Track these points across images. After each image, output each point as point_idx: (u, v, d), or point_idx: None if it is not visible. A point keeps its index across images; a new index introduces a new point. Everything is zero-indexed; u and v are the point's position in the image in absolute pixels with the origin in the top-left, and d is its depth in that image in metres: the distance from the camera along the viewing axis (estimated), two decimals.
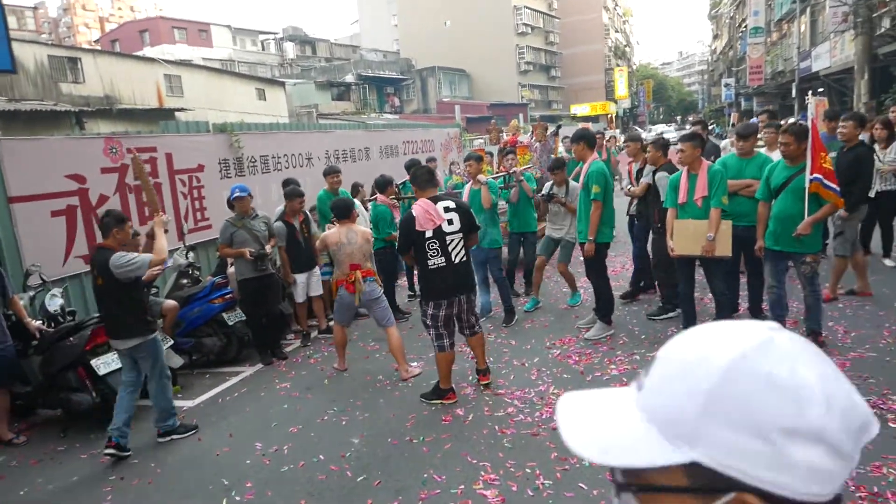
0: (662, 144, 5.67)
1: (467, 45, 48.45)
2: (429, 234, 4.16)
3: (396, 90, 44.02)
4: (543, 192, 6.26)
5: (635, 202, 5.97)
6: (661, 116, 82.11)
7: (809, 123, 4.16)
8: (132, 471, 3.95)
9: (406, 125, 16.49)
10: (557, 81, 58.45)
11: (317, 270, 6.28)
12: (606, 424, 0.64)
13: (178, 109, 22.81)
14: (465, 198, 6.13)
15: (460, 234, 4.24)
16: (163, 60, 26.55)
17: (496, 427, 3.98)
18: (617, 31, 71.52)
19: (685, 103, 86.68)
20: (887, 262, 6.78)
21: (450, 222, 4.19)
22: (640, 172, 6.06)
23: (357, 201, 7.32)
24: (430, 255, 4.18)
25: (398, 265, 7.29)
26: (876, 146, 6.58)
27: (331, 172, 6.87)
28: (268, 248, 5.71)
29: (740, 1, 42.68)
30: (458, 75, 47.18)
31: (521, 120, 23.11)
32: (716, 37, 67.92)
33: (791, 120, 6.72)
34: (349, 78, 39.59)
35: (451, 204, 4.29)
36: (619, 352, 5.07)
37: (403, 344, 5.16)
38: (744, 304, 5.57)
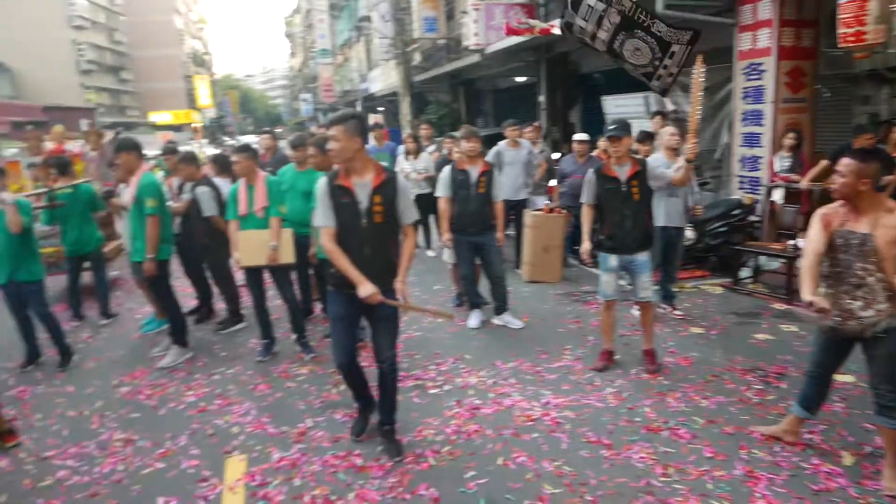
0: (192, 158, 5.63)
1: (6, 34, 39.61)
2: None
3: None
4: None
5: (179, 219, 5.72)
6: (252, 127, 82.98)
7: None
8: None
9: None
10: (130, 85, 53.09)
11: None
12: None
13: None
14: None
15: None
16: None
17: (40, 501, 3.26)
18: (194, 38, 69.04)
19: (272, 115, 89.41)
20: (429, 252, 8.19)
21: None
22: (181, 188, 5.83)
23: None
24: None
25: None
26: (410, 157, 7.90)
27: None
28: None
29: (310, 23, 46.19)
30: None
31: (85, 126, 20.02)
32: (293, 54, 72.06)
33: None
34: None
35: None
36: (198, 375, 4.79)
37: None
38: (319, 306, 5.94)
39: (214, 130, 58.86)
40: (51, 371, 5.10)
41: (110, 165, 5.94)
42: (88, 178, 6.56)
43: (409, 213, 3.29)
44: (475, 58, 13.34)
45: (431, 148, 8.50)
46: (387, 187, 3.18)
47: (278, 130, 14.04)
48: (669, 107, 6.84)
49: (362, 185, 3.15)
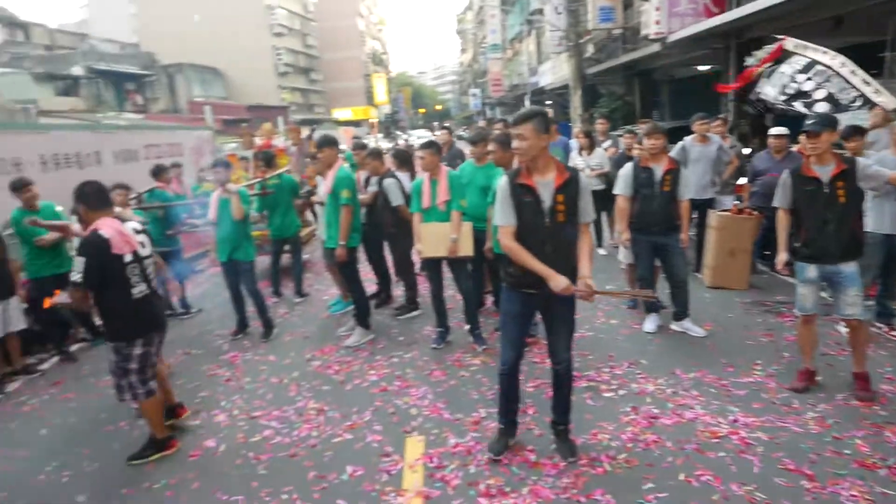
0: (378, 154, 5.95)
1: (220, 43, 45.47)
2: (128, 258, 3.57)
3: (139, 87, 39.47)
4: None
5: (364, 210, 6.10)
6: (421, 122, 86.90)
7: None
8: None
9: (146, 126, 14.82)
10: (318, 85, 58.14)
11: (14, 301, 5.25)
12: None
13: None
14: (212, 207, 5.67)
15: (151, 261, 3.81)
16: None
17: (251, 455, 3.72)
18: (374, 38, 73.70)
19: (441, 111, 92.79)
20: (600, 251, 7.96)
21: (143, 245, 3.73)
22: (367, 181, 6.21)
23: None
24: (135, 283, 3.60)
25: None
26: (583, 152, 7.69)
27: (21, 186, 5.47)
28: None
29: (481, 19, 47.03)
30: (211, 74, 44.01)
31: (281, 123, 22.35)
32: (463, 50, 74.04)
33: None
34: (77, 70, 34.36)
35: (139, 225, 3.84)
36: (379, 356, 5.13)
37: None
38: (490, 299, 6.05)
39: (388, 125, 62.55)
40: (256, 341, 5.79)
41: (311, 158, 6.58)
42: (290, 170, 7.34)
43: (589, 212, 3.22)
44: (655, 47, 12.66)
45: (607, 143, 8.23)
46: (570, 186, 3.12)
47: (446, 124, 14.47)
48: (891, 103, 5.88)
49: (545, 184, 3.11)
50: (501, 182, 3.22)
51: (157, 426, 3.81)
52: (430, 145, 4.95)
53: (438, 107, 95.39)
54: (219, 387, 4.81)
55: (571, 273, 3.16)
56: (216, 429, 4.11)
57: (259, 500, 3.25)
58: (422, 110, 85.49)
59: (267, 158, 6.90)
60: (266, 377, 4.91)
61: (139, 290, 3.63)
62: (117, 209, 5.45)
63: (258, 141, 9.12)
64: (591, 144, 7.80)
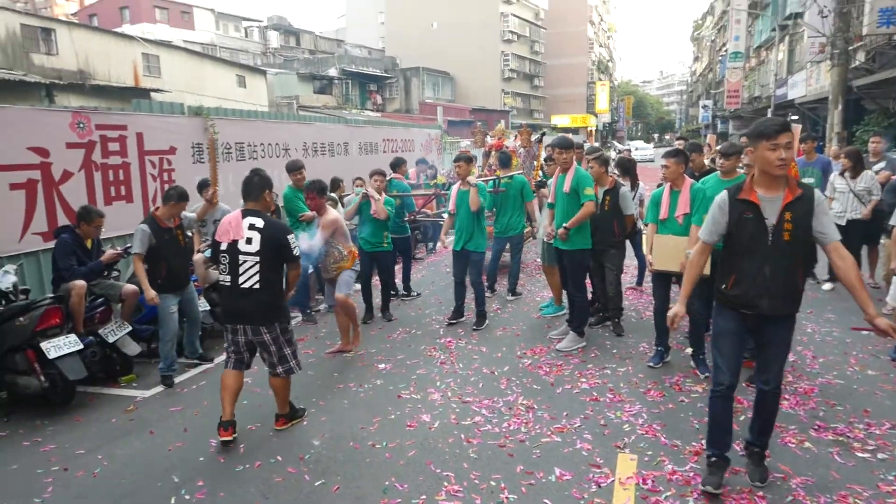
0: (606, 161, 5.68)
1: (453, 48, 48.40)
2: (223, 246, 3.79)
3: (379, 88, 43.72)
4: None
5: None
6: (640, 133, 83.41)
7: None
8: (77, 462, 3.73)
9: (387, 123, 16.38)
10: (540, 91, 58.82)
11: None
12: None
13: (155, 90, 22.25)
14: (452, 199, 6.04)
15: (256, 259, 3.75)
16: (142, 39, 25.87)
17: (462, 436, 3.88)
18: (601, 46, 72.38)
19: (663, 122, 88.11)
20: None
21: (248, 241, 3.75)
22: None
23: (335, 196, 7.22)
24: (221, 270, 3.84)
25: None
26: (846, 174, 6.69)
27: (295, 169, 6.44)
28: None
29: (722, 25, 43.53)
30: (442, 77, 47.05)
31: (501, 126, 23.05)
32: (696, 59, 69.31)
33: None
34: (332, 72, 39.19)
35: (260, 223, 3.78)
36: (591, 365, 5.02)
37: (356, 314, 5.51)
38: None
39: (606, 134, 61.10)
40: (469, 330, 6.04)
41: (547, 161, 6.69)
42: (522, 171, 7.53)
43: (833, 230, 2.94)
44: None
45: (880, 165, 7.04)
46: (800, 203, 2.91)
47: (667, 137, 13.58)
48: None
49: (770, 201, 2.92)
50: (721, 196, 3.08)
51: (223, 403, 3.90)
52: (676, 153, 4.67)
53: (662, 118, 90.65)
54: (434, 368, 5.11)
55: (793, 299, 3.01)
56: (431, 406, 4.37)
57: (469, 480, 3.36)
58: (642, 121, 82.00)
59: (504, 159, 7.16)
60: (478, 366, 5.09)
61: (223, 278, 3.83)
62: (370, 189, 6.11)
63: (490, 140, 9.50)
64: (856, 166, 6.72)
